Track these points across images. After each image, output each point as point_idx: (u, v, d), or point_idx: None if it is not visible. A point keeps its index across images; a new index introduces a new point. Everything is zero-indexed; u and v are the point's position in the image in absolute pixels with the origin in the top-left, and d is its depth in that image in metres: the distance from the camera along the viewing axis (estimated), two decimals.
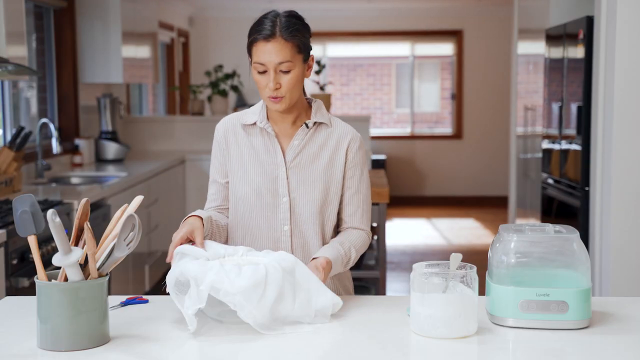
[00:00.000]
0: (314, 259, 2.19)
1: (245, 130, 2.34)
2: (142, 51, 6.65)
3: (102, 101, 6.28)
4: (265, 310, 1.90)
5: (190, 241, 2.12)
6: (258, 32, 2.20)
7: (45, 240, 3.59)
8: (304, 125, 2.31)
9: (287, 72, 2.20)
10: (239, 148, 2.33)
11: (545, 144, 5.59)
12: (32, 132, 4.72)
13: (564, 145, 5.09)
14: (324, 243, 2.32)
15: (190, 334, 1.90)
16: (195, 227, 2.14)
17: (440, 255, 7.21)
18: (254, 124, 2.33)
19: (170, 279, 1.97)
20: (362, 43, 10.62)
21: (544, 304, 1.92)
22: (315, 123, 2.32)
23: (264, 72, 2.21)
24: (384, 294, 4.56)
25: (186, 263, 1.96)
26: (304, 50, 2.23)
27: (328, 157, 2.31)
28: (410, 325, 1.92)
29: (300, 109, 2.32)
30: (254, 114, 2.34)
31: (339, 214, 2.36)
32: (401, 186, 10.41)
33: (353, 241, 2.30)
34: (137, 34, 6.48)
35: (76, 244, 1.85)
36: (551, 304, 1.92)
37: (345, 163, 2.32)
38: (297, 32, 2.21)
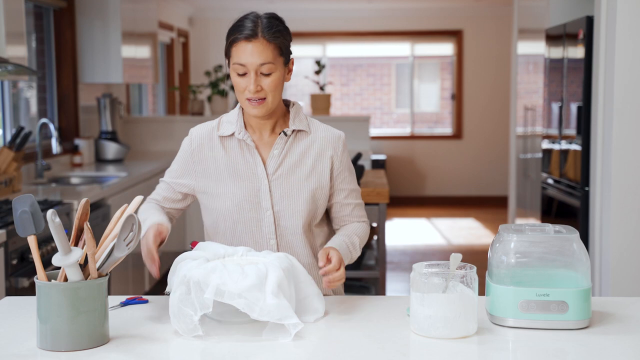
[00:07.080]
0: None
1: (221, 142, 2.25)
2: (142, 51, 6.64)
3: (102, 101, 6.28)
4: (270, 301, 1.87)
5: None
6: (239, 31, 2.13)
7: (45, 240, 3.59)
8: (282, 133, 2.23)
9: (268, 74, 2.13)
10: (215, 162, 2.24)
11: (545, 144, 5.59)
12: (32, 132, 4.72)
13: (564, 145, 5.09)
14: (314, 254, 2.28)
15: (189, 334, 1.89)
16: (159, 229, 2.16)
17: (440, 255, 7.21)
18: (232, 134, 2.24)
19: (172, 297, 1.90)
20: (362, 43, 10.62)
21: (544, 304, 1.92)
22: (293, 131, 2.24)
23: (244, 74, 2.13)
24: (384, 294, 4.55)
25: (189, 269, 1.92)
26: (285, 53, 2.17)
27: (311, 164, 2.24)
28: (410, 325, 1.92)
29: (278, 115, 2.24)
30: (231, 123, 2.25)
31: (336, 216, 2.31)
32: (401, 186, 10.41)
33: (355, 230, 2.30)
34: (137, 34, 6.48)
35: (76, 244, 1.85)
36: (551, 304, 1.92)
37: (333, 169, 2.26)
38: (279, 33, 2.15)
